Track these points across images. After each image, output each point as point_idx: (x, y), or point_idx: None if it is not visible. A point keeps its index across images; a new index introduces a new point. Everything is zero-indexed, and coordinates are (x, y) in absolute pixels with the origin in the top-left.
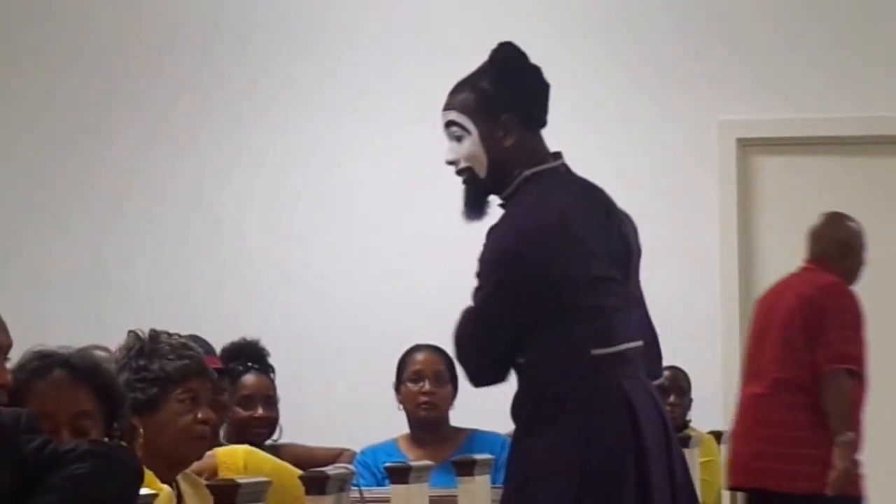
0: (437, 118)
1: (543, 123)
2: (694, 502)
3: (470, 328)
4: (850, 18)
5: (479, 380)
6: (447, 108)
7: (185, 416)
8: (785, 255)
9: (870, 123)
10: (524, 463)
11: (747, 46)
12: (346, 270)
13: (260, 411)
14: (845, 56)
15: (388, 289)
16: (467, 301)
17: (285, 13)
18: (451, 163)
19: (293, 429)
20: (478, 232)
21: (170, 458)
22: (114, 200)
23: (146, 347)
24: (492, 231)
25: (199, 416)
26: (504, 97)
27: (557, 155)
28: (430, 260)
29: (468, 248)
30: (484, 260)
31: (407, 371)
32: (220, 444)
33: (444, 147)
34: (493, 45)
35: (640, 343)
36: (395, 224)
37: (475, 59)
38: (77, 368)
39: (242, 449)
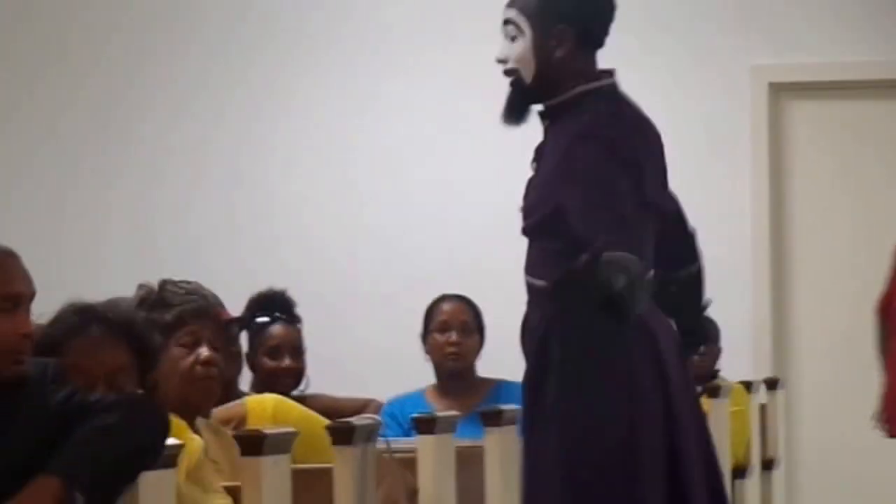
0: (470, 72)
1: (600, 44)
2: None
3: (586, 195)
4: None
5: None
6: (509, 4)
7: (186, 359)
8: (818, 202)
9: None
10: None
11: None
12: (373, 222)
13: (287, 362)
14: None
15: (416, 239)
16: (496, 251)
17: None
18: (500, 61)
19: (320, 379)
20: (507, 181)
21: (178, 404)
22: (158, 152)
23: (152, 298)
24: (560, 146)
25: (200, 357)
26: (566, 6)
27: (610, 73)
28: (457, 210)
29: (497, 198)
30: (573, 159)
31: (434, 321)
32: (244, 394)
33: (478, 96)
34: None
35: (653, 273)
36: (423, 175)
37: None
38: (114, 324)
39: (271, 397)
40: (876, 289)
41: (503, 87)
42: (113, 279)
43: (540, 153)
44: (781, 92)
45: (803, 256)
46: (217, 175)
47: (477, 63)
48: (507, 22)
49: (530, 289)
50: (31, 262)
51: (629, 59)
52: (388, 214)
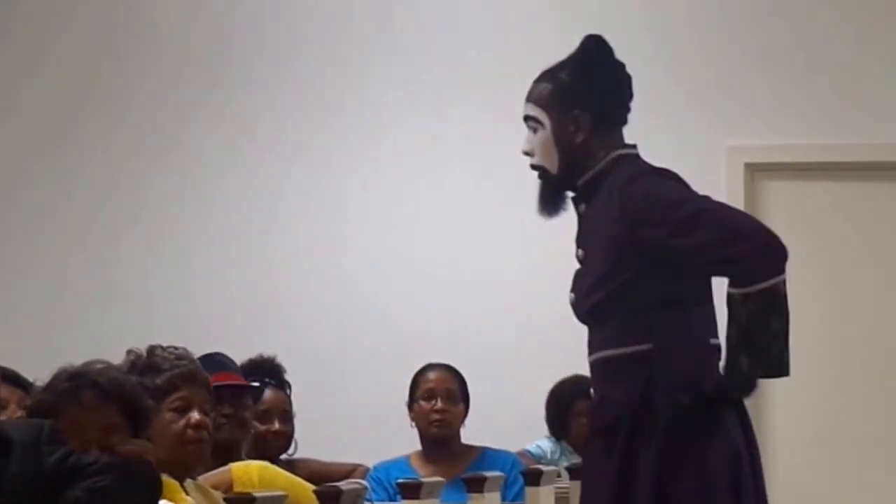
0: (451, 142)
1: (622, 121)
2: None
3: (729, 218)
4: (863, 43)
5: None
6: (527, 99)
7: (178, 422)
8: (794, 283)
9: (881, 150)
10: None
11: (756, 70)
12: (361, 289)
13: (276, 426)
14: (857, 80)
15: (403, 307)
16: (481, 320)
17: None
18: (526, 153)
19: (308, 444)
20: (490, 253)
21: (170, 467)
22: (130, 214)
23: (142, 364)
24: (624, 194)
25: (192, 420)
26: (579, 92)
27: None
28: (444, 280)
29: (481, 269)
30: (668, 200)
31: (420, 389)
32: (241, 460)
33: (456, 170)
34: (505, 57)
35: None
36: (408, 244)
37: (484, 74)
38: (104, 388)
39: (256, 464)
40: (852, 370)
41: (505, 155)
42: (111, 343)
43: (582, 237)
44: (757, 172)
45: None
46: (214, 240)
47: (479, 130)
48: (527, 118)
49: (611, 362)
50: (36, 330)
51: None
52: (379, 283)
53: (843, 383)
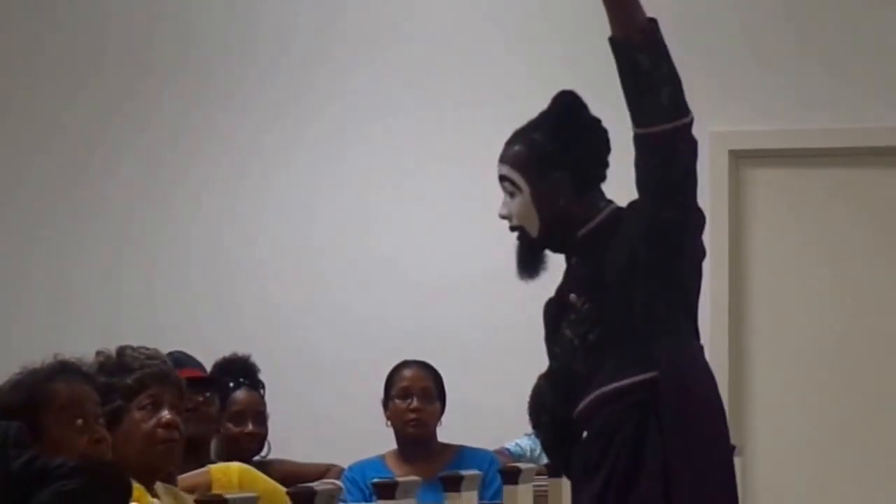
0: (435, 142)
1: (600, 179)
2: None
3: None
4: (847, 28)
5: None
6: (501, 160)
7: (148, 422)
8: (779, 270)
9: (865, 135)
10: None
11: (740, 55)
12: (333, 287)
13: (250, 427)
14: (841, 66)
15: (376, 306)
16: (457, 320)
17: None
18: (504, 217)
19: (281, 445)
20: (464, 251)
21: (140, 467)
22: (92, 217)
23: (111, 364)
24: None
25: (162, 419)
26: (557, 154)
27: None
28: (418, 278)
29: (458, 267)
30: None
31: (395, 388)
32: (211, 461)
33: (422, 170)
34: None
35: None
36: (378, 242)
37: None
38: (80, 371)
39: (237, 466)
40: (836, 357)
41: (467, 156)
42: (74, 346)
43: (577, 284)
44: (741, 159)
45: (763, 324)
46: (176, 241)
47: (443, 132)
48: (502, 178)
49: (612, 395)
50: None
51: None
52: (349, 282)
53: (829, 370)
